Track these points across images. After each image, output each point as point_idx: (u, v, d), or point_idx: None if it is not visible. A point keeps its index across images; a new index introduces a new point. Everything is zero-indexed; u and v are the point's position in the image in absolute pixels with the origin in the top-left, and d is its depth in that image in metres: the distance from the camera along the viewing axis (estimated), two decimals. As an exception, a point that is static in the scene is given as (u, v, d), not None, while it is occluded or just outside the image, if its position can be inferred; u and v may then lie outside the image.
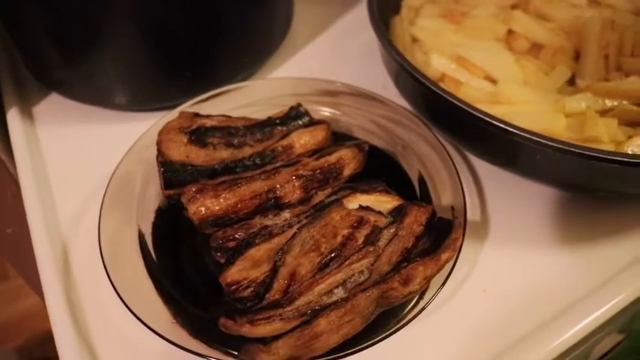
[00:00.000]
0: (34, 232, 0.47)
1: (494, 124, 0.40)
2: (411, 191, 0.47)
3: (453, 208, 0.42)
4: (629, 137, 0.45)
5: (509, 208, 0.48)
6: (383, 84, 0.54)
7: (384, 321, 0.38)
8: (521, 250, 0.46)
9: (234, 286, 0.37)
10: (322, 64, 0.63)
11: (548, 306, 0.42)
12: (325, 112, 0.53)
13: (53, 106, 0.59)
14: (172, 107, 0.51)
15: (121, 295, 0.38)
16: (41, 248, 0.46)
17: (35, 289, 0.86)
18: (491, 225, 0.47)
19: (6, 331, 1.27)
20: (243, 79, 0.57)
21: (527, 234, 0.47)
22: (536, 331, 0.41)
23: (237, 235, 0.40)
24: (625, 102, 0.47)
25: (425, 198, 0.46)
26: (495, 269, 0.44)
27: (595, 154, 0.38)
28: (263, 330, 0.33)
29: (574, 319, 0.41)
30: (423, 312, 0.39)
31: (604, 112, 0.47)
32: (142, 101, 0.56)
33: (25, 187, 0.51)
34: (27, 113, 0.58)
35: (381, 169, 0.48)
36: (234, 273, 0.37)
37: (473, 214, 0.48)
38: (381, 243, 0.38)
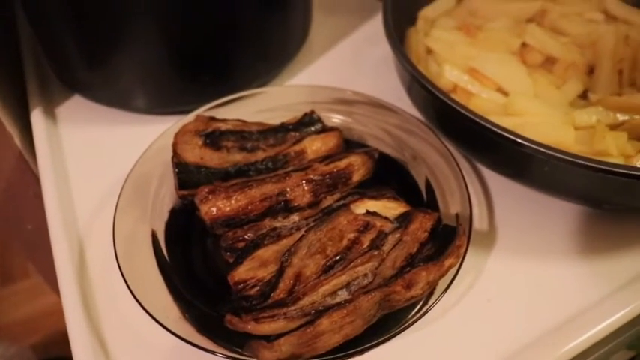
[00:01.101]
0: (52, 228, 0.49)
1: (503, 135, 0.40)
2: (420, 199, 0.48)
3: (457, 215, 0.43)
4: (639, 151, 0.45)
5: (518, 220, 0.49)
6: (398, 95, 0.55)
7: (387, 324, 0.38)
8: (527, 260, 0.46)
9: (242, 285, 0.38)
10: (339, 74, 0.64)
11: (551, 317, 0.42)
12: (339, 119, 0.54)
13: (75, 107, 0.61)
14: (190, 111, 0.52)
15: (133, 291, 0.39)
16: (59, 244, 0.47)
17: (53, 286, 0.87)
18: (499, 235, 0.48)
19: (24, 328, 1.29)
20: (260, 86, 0.58)
21: (534, 245, 0.47)
22: (538, 341, 0.41)
23: (246, 236, 0.41)
24: (636, 116, 0.47)
25: (432, 206, 0.46)
26: (501, 279, 0.45)
27: (601, 167, 0.38)
28: (267, 328, 0.34)
29: (577, 330, 0.41)
30: (426, 319, 0.40)
31: (615, 126, 0.47)
32: (161, 104, 0.58)
33: (46, 185, 0.52)
34: (50, 114, 0.60)
35: (391, 176, 0.50)
36: (242, 272, 0.38)
37: (480, 224, 0.48)
38: (386, 247, 0.39)
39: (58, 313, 0.45)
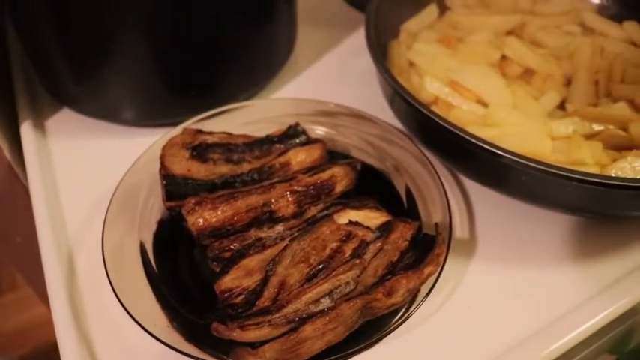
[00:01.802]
0: (42, 239, 0.49)
1: (480, 146, 0.41)
2: (402, 208, 0.49)
3: (436, 225, 0.44)
4: (614, 160, 0.46)
5: (498, 228, 0.50)
6: (381, 106, 0.55)
7: (370, 331, 0.39)
8: (507, 267, 0.47)
9: (227, 293, 0.39)
10: (324, 86, 0.65)
11: (532, 321, 0.44)
12: (323, 131, 0.55)
13: (65, 120, 0.62)
14: (178, 124, 0.53)
15: (122, 300, 0.40)
16: (48, 255, 0.48)
17: (42, 298, 0.88)
18: (479, 243, 0.49)
19: (13, 339, 1.29)
20: (247, 99, 0.59)
21: (514, 252, 0.48)
22: (519, 345, 0.42)
23: (232, 246, 0.42)
24: (611, 126, 0.49)
25: (414, 215, 0.48)
26: (481, 286, 0.46)
27: (575, 176, 0.39)
28: (252, 335, 0.35)
29: (558, 333, 0.42)
30: (408, 325, 0.41)
31: (591, 136, 0.49)
32: (149, 117, 0.59)
33: (35, 196, 0.53)
34: (40, 127, 0.61)
35: (374, 186, 0.51)
36: (228, 281, 0.39)
37: (462, 232, 0.49)
38: (367, 256, 0.40)
39: (47, 324, 0.45)
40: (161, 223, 0.48)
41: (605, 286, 0.46)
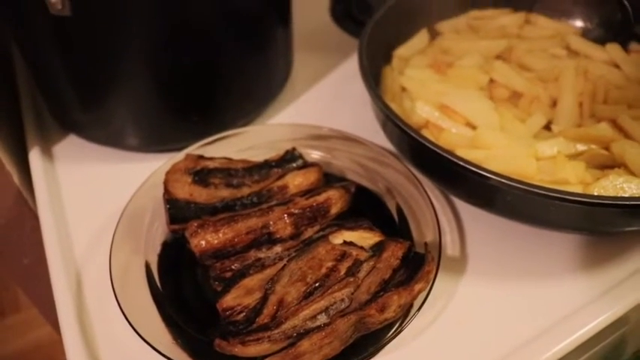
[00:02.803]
0: (50, 261, 0.51)
1: (467, 168, 0.43)
2: (395, 228, 0.51)
3: (426, 243, 0.46)
4: (597, 179, 0.48)
5: (489, 245, 0.52)
6: (376, 129, 0.57)
7: (365, 345, 0.42)
8: (497, 282, 0.49)
9: (229, 312, 0.41)
10: (320, 110, 0.67)
11: (522, 334, 0.45)
12: (318, 155, 0.57)
13: (71, 146, 0.64)
14: (180, 149, 0.55)
15: (129, 319, 0.42)
16: (57, 276, 0.50)
17: (48, 319, 0.89)
18: (470, 260, 0.51)
19: (16, 362, 1.30)
20: (246, 124, 0.62)
21: (504, 268, 0.50)
22: (511, 356, 0.44)
23: (233, 267, 0.45)
24: (594, 146, 0.51)
25: (405, 234, 0.50)
26: (472, 301, 0.48)
27: (555, 195, 0.41)
28: (253, 350, 0.38)
29: (549, 343, 0.44)
30: (402, 340, 0.43)
31: (575, 156, 0.51)
32: (153, 143, 0.61)
33: (44, 220, 0.55)
34: (47, 153, 0.63)
35: (368, 207, 0.53)
36: (230, 300, 0.42)
37: (453, 250, 0.51)
38: (361, 274, 0.42)
39: (50, 346, 0.47)
40: (165, 245, 0.50)
41: (595, 297, 0.47)
